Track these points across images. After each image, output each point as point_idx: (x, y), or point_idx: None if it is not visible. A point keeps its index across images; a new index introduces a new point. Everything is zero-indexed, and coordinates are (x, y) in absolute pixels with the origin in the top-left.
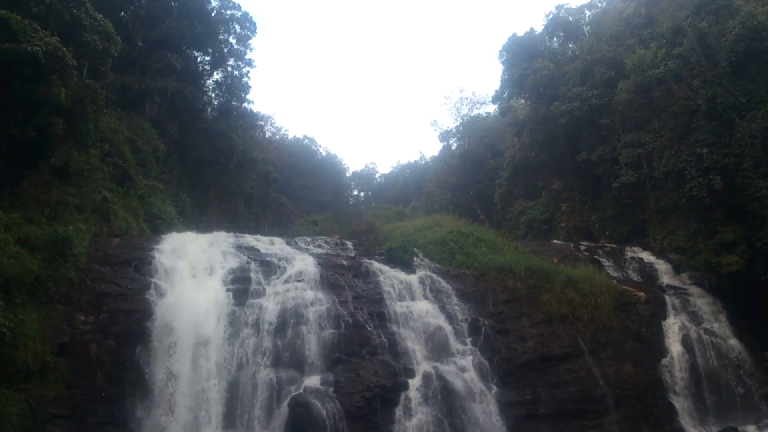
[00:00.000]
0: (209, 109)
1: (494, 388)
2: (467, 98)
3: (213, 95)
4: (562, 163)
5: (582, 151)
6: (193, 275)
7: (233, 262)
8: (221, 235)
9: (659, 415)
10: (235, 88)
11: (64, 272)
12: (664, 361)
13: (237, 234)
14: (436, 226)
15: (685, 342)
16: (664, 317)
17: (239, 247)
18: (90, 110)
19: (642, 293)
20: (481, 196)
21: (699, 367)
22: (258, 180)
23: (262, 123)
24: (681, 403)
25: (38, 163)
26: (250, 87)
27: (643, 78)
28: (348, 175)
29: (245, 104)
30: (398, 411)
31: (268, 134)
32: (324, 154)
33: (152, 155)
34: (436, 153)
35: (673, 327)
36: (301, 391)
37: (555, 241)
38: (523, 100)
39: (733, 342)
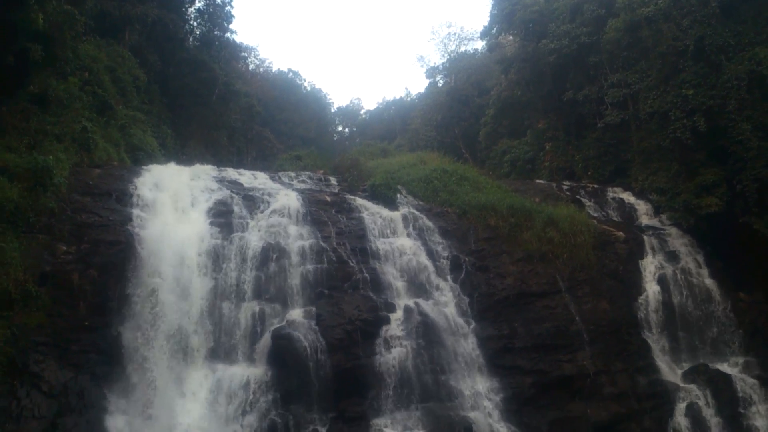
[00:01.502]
0: (191, 39)
1: (473, 323)
2: (455, 34)
3: (195, 24)
4: (548, 102)
5: (569, 91)
6: (175, 208)
7: (216, 196)
8: (204, 168)
9: (632, 351)
10: (218, 16)
11: (44, 202)
12: (640, 299)
13: (220, 167)
14: (421, 164)
15: (662, 281)
16: (642, 257)
17: (222, 181)
18: (68, 37)
19: (621, 233)
20: (466, 135)
21: (674, 305)
22: (241, 113)
23: (246, 54)
24: (654, 340)
25: (16, 91)
26: (233, 16)
27: (632, 16)
28: (333, 110)
29: (228, 34)
30: (379, 344)
31: (251, 66)
32: (309, 88)
33: (132, 85)
34: (422, 90)
35: (650, 266)
36: (284, 323)
37: (538, 180)
38: (511, 37)
39: (709, 282)
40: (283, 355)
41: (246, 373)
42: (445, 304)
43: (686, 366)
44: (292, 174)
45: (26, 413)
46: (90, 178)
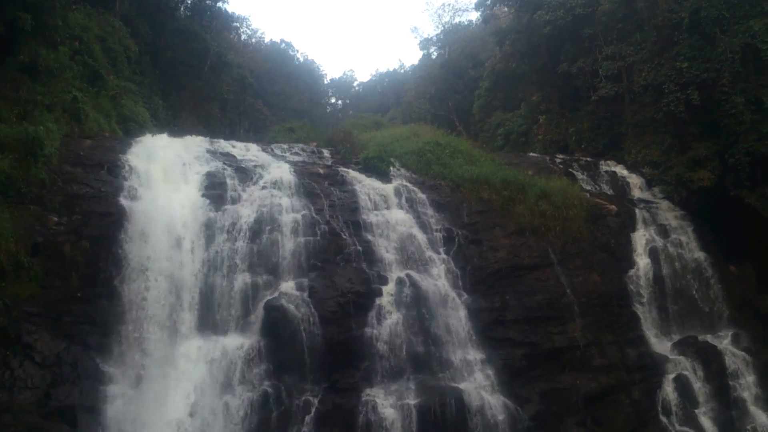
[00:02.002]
0: (182, 8)
1: (465, 296)
2: (449, 4)
3: None
4: (542, 75)
5: (563, 63)
6: (167, 179)
7: (208, 168)
8: (196, 140)
9: (622, 323)
10: None
11: (35, 173)
12: (631, 272)
13: (212, 139)
14: (414, 136)
15: (652, 254)
16: (633, 230)
17: (214, 153)
18: (58, 5)
19: (613, 206)
20: (460, 107)
21: (664, 278)
22: (233, 84)
23: (238, 25)
24: (644, 313)
25: (6, 60)
26: None
27: None
28: (325, 82)
29: (220, 3)
30: (371, 316)
31: (243, 37)
32: (301, 59)
33: (123, 55)
34: (415, 62)
35: (641, 239)
36: (276, 295)
37: (531, 153)
38: (506, 8)
39: (699, 255)
40: (276, 327)
41: (238, 343)
42: (438, 276)
43: (676, 338)
44: (285, 146)
45: (19, 383)
46: (81, 149)
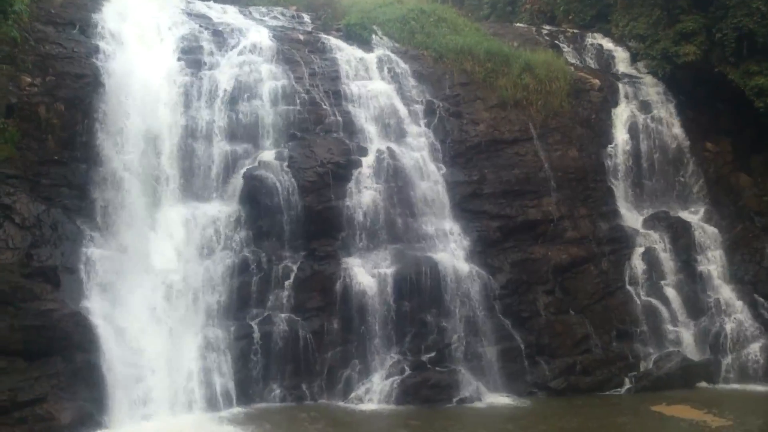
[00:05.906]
0: None
1: (443, 169)
2: None
3: None
4: None
5: None
6: (141, 41)
7: (184, 30)
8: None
9: (597, 198)
10: None
11: (6, 30)
12: (610, 147)
13: None
14: (398, 3)
15: (632, 129)
16: (615, 105)
17: (190, 14)
18: None
19: (596, 80)
20: None
21: (641, 153)
22: None
23: None
24: (619, 187)
25: None
26: None
27: None
28: None
29: None
30: (351, 186)
31: None
32: None
33: None
34: None
35: (622, 115)
36: (256, 164)
37: (517, 23)
38: None
39: (678, 131)
40: (256, 196)
41: (218, 210)
42: (417, 149)
43: (648, 212)
44: (264, 9)
45: (0, 244)
46: (52, 7)
